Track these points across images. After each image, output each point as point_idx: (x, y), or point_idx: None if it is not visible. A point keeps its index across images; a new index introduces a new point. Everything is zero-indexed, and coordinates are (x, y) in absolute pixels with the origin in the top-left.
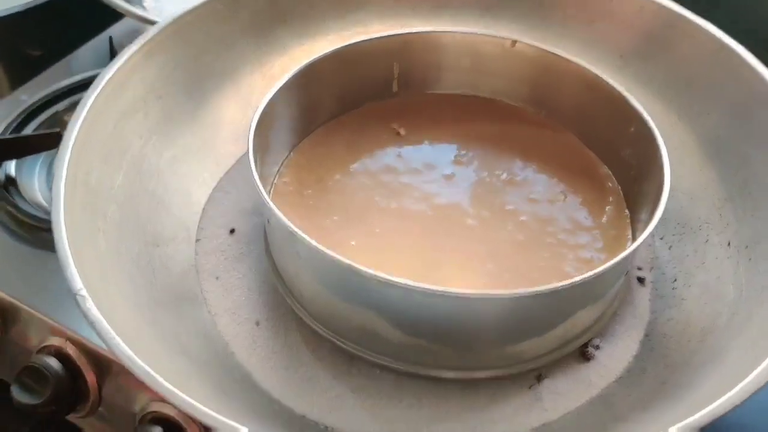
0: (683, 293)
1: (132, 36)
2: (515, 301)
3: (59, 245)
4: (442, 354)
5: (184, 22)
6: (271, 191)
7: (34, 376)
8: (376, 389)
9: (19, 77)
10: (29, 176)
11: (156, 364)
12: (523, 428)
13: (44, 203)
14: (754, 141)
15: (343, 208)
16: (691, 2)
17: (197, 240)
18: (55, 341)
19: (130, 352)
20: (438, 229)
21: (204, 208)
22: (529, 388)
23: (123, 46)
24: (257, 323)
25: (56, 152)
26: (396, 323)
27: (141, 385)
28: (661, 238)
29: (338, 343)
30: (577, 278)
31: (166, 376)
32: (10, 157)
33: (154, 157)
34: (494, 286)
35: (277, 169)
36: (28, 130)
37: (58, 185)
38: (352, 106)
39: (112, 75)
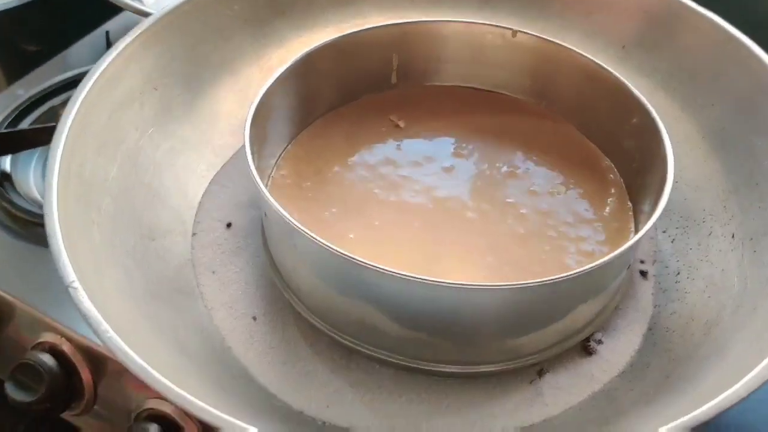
0: (686, 286)
1: (129, 31)
2: (515, 292)
3: (52, 237)
4: (441, 348)
5: (181, 12)
6: (269, 184)
7: (28, 373)
8: (375, 384)
9: (15, 72)
10: (24, 171)
11: (152, 358)
12: (524, 423)
13: (39, 199)
14: (760, 132)
15: (342, 200)
16: None
17: (194, 234)
18: (50, 338)
19: (124, 346)
20: (438, 222)
21: (201, 201)
22: (530, 382)
23: None
24: (254, 318)
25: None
26: (395, 316)
27: (137, 382)
28: (664, 231)
29: (336, 337)
30: (578, 270)
31: (163, 372)
32: (5, 152)
33: (150, 149)
34: (494, 279)
35: (274, 161)
36: (24, 125)
37: (51, 177)
38: (350, 97)
39: (107, 65)
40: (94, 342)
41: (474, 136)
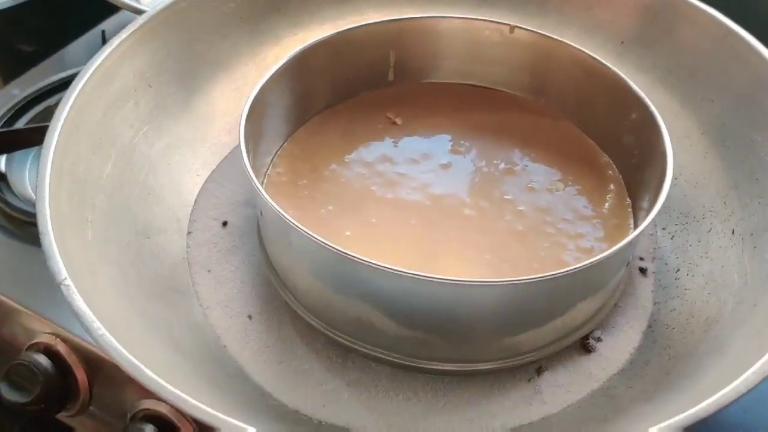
0: (686, 283)
1: None
2: (512, 289)
3: (44, 235)
4: (438, 346)
5: (176, 9)
6: (265, 181)
7: (23, 373)
8: (371, 382)
9: (11, 71)
10: (20, 171)
11: (145, 357)
12: (523, 421)
13: (35, 199)
14: (760, 127)
15: (338, 198)
16: None
17: (189, 232)
18: (44, 338)
19: (116, 344)
20: (435, 219)
21: (196, 200)
22: (529, 380)
23: None
24: (250, 317)
25: None
26: (391, 314)
27: (132, 382)
28: (664, 228)
29: (333, 335)
30: (576, 266)
31: (157, 370)
32: (0, 152)
33: (145, 147)
34: (492, 276)
35: (270, 159)
36: (20, 125)
37: (44, 174)
38: (347, 95)
39: (101, 63)
40: (89, 342)
41: (471, 133)
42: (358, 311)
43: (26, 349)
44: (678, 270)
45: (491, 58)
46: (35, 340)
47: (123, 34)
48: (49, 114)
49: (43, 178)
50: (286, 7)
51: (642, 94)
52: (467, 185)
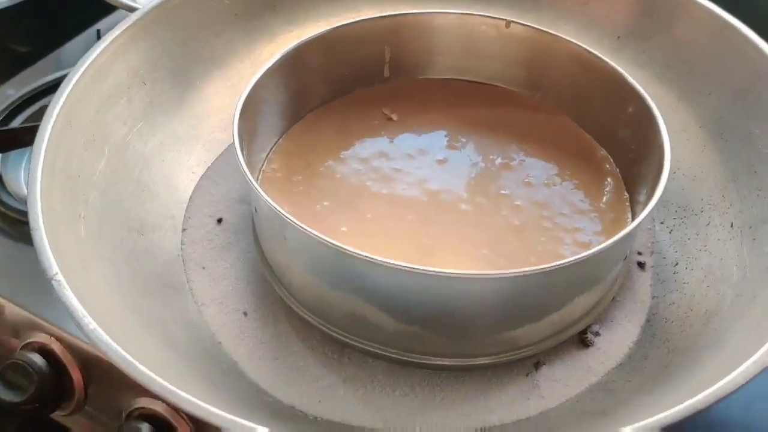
0: (685, 277)
1: None
2: (509, 282)
3: (35, 230)
4: (435, 341)
5: (170, 6)
6: (259, 178)
7: (17, 373)
8: (368, 378)
9: (6, 72)
10: (15, 171)
11: (139, 353)
12: (521, 416)
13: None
14: (758, 119)
15: (334, 194)
16: None
17: (183, 229)
18: (39, 338)
19: (107, 338)
20: (431, 214)
21: (191, 197)
22: (527, 375)
23: None
24: (245, 313)
25: None
26: (387, 309)
27: (128, 382)
28: (662, 222)
29: (329, 331)
30: (573, 258)
31: (151, 367)
32: None
33: (139, 144)
34: (490, 271)
35: (265, 155)
36: (15, 125)
37: (36, 170)
38: (342, 91)
39: (94, 59)
40: (84, 341)
41: (468, 129)
42: (354, 306)
43: (21, 349)
44: (677, 264)
45: (487, 54)
46: (30, 340)
47: (116, 31)
48: (44, 114)
49: (35, 174)
50: (280, 4)
51: (638, 87)
52: (464, 180)
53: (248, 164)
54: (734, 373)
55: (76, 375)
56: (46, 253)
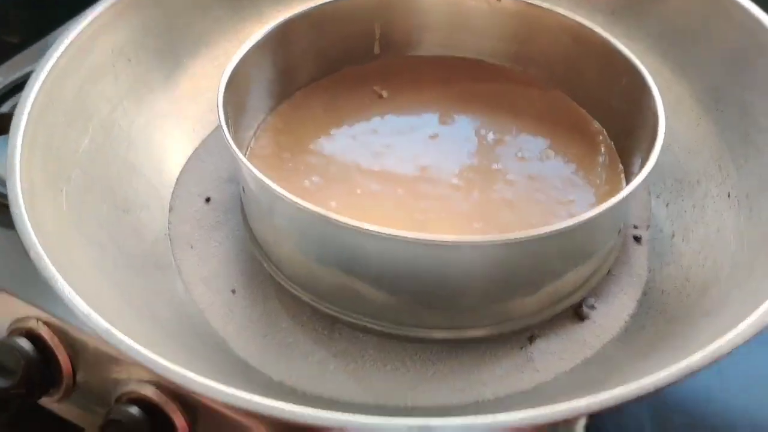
0: (682, 249)
1: None
2: (499, 249)
3: (14, 205)
4: (427, 313)
5: None
6: (247, 154)
7: (4, 357)
8: (358, 353)
9: None
10: (0, 156)
11: (123, 327)
12: (515, 390)
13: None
14: (754, 88)
15: (324, 170)
16: None
17: (171, 208)
18: (26, 322)
19: (87, 307)
20: (423, 189)
21: (179, 177)
22: (521, 349)
23: None
24: (233, 291)
25: None
26: (376, 279)
27: (117, 366)
28: (658, 196)
29: (319, 306)
30: (564, 224)
31: (136, 340)
32: None
33: (125, 122)
34: None
35: (253, 132)
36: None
37: (15, 142)
38: (332, 69)
39: (77, 35)
40: (72, 325)
41: (459, 105)
42: (344, 279)
43: (8, 333)
44: (673, 236)
45: (478, 29)
46: (17, 324)
47: (99, 8)
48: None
49: (14, 147)
50: None
51: (632, 56)
52: (455, 156)
53: (235, 141)
54: (731, 334)
55: (63, 359)
56: (24, 226)
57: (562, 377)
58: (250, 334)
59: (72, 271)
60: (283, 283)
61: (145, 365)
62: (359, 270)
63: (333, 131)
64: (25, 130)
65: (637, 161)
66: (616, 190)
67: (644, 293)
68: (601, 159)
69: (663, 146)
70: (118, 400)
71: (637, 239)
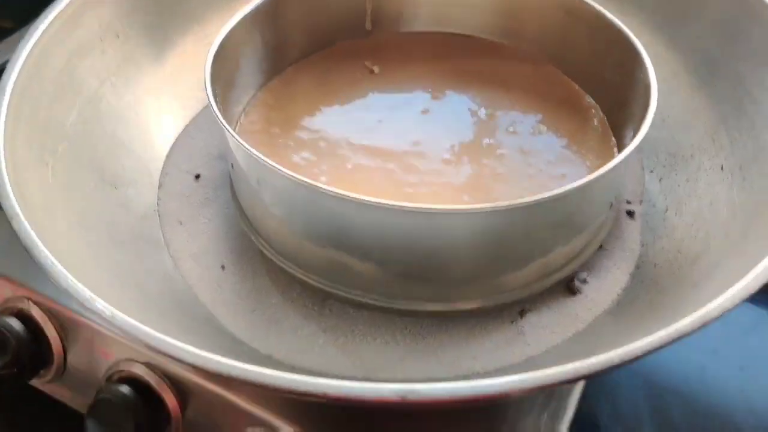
0: (675, 222)
1: None
2: (488, 216)
3: None
4: (417, 285)
5: None
6: (236, 130)
7: None
8: (348, 327)
9: None
10: None
11: (109, 299)
12: (505, 363)
13: None
14: (748, 59)
15: (314, 145)
16: None
17: (160, 185)
18: (17, 302)
19: (69, 275)
20: (413, 163)
21: (168, 154)
22: (512, 323)
23: None
24: (223, 267)
25: None
26: (365, 251)
27: (107, 345)
28: (651, 171)
29: (308, 280)
30: (552, 193)
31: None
32: None
33: (114, 98)
34: None
35: (242, 108)
36: None
37: None
38: (323, 44)
39: (63, 9)
40: (63, 306)
41: (451, 81)
42: (333, 252)
43: None
44: (666, 210)
45: (470, 4)
46: (8, 304)
47: None
48: None
49: None
50: None
51: (624, 28)
52: (447, 131)
53: (225, 117)
54: (721, 298)
55: (54, 340)
56: (7, 194)
57: (553, 351)
58: (239, 310)
59: (56, 241)
60: (272, 257)
61: (129, 332)
62: (348, 242)
63: (324, 107)
64: (9, 101)
65: (630, 135)
66: (608, 163)
67: (637, 267)
68: (593, 133)
69: (656, 121)
70: (108, 379)
71: (630, 214)
